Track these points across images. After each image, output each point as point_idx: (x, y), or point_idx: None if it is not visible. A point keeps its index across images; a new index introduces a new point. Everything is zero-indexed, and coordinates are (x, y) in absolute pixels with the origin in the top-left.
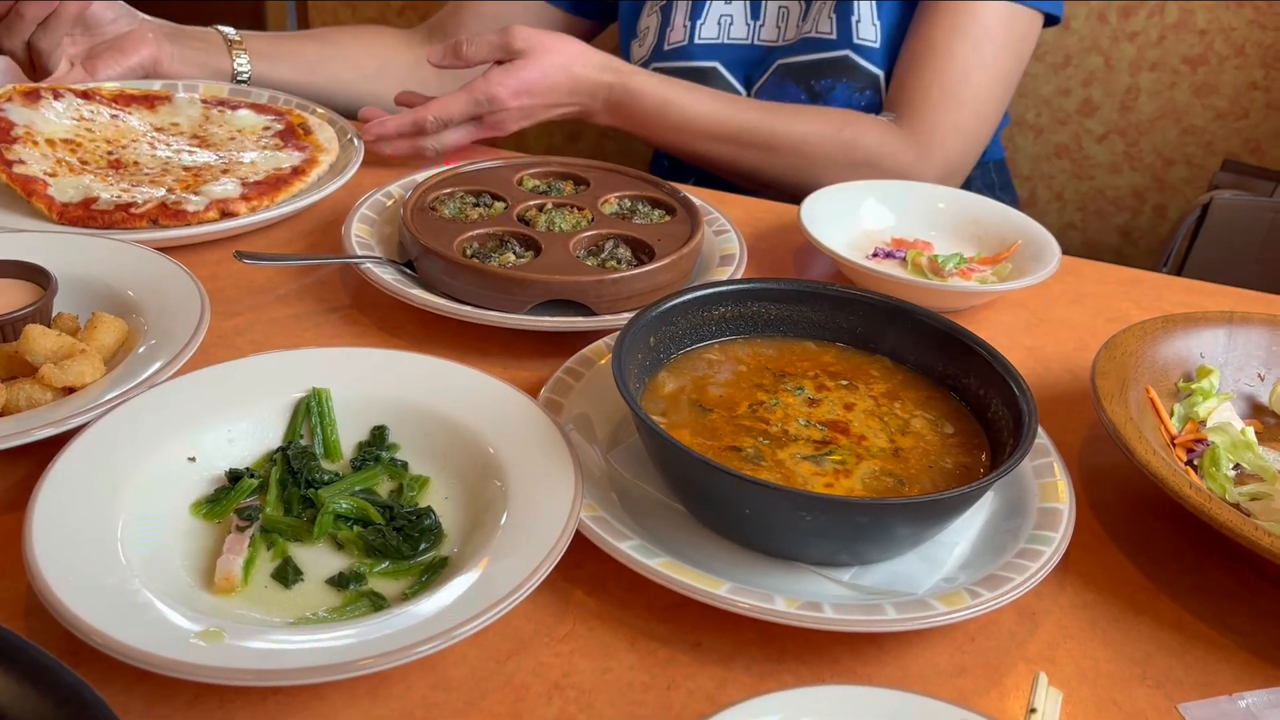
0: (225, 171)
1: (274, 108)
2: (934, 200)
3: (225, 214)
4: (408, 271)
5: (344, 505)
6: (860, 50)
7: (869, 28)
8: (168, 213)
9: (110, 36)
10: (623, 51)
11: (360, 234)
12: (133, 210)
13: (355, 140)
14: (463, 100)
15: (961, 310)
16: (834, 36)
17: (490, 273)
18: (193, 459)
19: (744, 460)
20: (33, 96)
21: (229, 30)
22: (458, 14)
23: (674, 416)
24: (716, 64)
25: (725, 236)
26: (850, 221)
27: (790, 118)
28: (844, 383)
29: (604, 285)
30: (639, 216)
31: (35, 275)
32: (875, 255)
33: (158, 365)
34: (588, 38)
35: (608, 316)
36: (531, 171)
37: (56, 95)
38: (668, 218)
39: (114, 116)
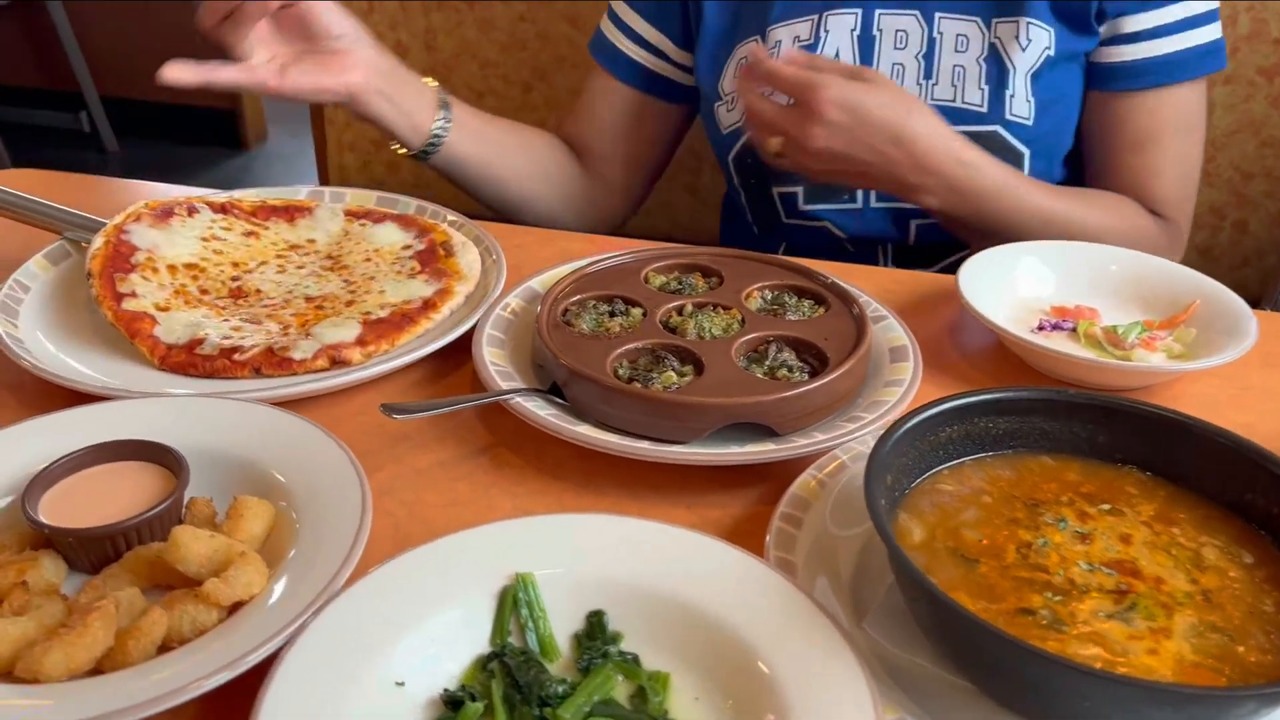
0: (350, 304)
1: (420, 221)
2: (1104, 262)
3: (336, 362)
4: (558, 401)
5: None
6: (1010, 126)
7: (1023, 104)
8: (272, 360)
9: (328, 52)
10: (706, 119)
11: (495, 360)
12: (235, 357)
13: (499, 259)
14: (789, 73)
15: (1149, 386)
16: (984, 109)
17: (659, 400)
18: (401, 684)
19: (1042, 627)
20: (164, 215)
21: (441, 91)
22: (575, 122)
23: (939, 575)
24: None
25: (884, 324)
26: (1004, 286)
27: (1083, 205)
28: (1105, 507)
29: (786, 403)
30: (790, 310)
31: (161, 456)
32: (1041, 328)
33: (330, 569)
34: (685, 126)
35: (797, 439)
36: (655, 267)
37: (191, 211)
38: (820, 309)
39: (247, 234)
